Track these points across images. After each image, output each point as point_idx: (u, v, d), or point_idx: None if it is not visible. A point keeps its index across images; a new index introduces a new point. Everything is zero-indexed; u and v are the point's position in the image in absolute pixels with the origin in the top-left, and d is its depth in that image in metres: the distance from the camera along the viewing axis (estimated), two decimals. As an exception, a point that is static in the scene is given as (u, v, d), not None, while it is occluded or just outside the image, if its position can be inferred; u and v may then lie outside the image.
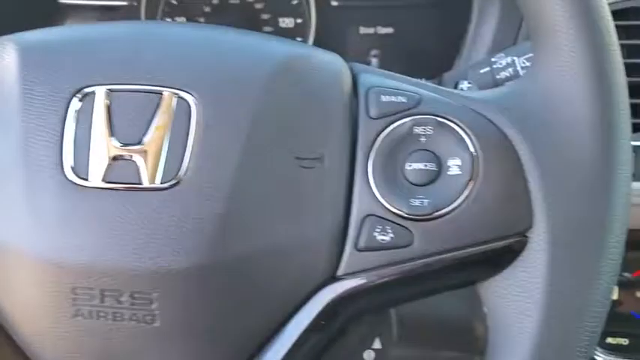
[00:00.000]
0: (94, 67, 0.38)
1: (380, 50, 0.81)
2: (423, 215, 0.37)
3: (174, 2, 0.84)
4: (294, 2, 0.82)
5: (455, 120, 0.38)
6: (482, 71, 0.51)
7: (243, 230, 0.36)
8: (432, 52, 0.78)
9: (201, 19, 0.83)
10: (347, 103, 0.39)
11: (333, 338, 0.39)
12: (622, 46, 0.38)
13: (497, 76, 0.50)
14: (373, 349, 0.40)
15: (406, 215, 0.37)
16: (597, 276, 0.36)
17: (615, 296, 0.67)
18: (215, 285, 0.36)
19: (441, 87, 0.40)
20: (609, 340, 0.67)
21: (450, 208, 0.37)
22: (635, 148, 0.60)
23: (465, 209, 0.36)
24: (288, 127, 0.37)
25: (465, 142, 0.37)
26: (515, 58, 0.50)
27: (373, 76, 0.40)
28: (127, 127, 0.36)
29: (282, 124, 0.37)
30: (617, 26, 0.38)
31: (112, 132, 0.36)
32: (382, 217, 0.37)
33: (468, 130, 0.37)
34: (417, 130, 0.38)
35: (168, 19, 0.83)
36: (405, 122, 0.38)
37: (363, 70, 0.40)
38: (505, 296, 0.37)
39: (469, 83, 0.48)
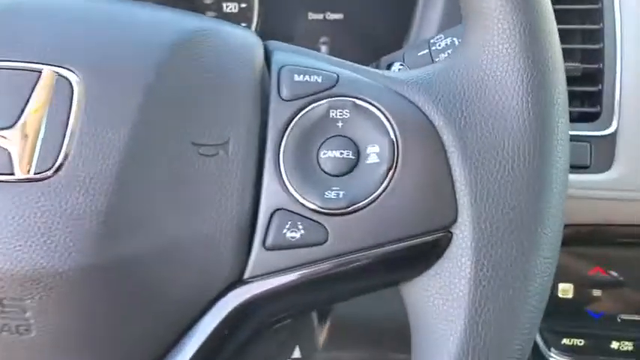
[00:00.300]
0: None
1: (330, 37, 0.77)
2: (338, 209, 0.33)
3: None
4: (238, -14, 0.78)
5: (373, 102, 0.34)
6: (420, 54, 0.47)
7: (131, 227, 0.32)
8: (383, 38, 0.75)
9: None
10: (257, 83, 0.35)
11: (243, 348, 0.35)
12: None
13: (436, 59, 0.46)
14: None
15: (319, 209, 0.33)
16: (529, 277, 0.32)
17: (570, 294, 0.64)
18: (100, 290, 0.32)
19: (363, 67, 0.36)
20: (564, 341, 0.64)
21: (367, 200, 0.33)
22: (581, 138, 0.58)
23: (383, 202, 0.33)
24: (185, 108, 0.33)
25: (384, 126, 0.33)
26: (454, 38, 0.46)
27: (288, 54, 0.36)
28: (0, 109, 0.32)
29: (178, 106, 0.33)
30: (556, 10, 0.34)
31: None
32: (293, 212, 0.33)
33: (387, 114, 0.33)
34: (334, 113, 0.34)
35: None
36: (321, 105, 0.34)
37: (278, 48, 0.37)
38: (427, 298, 0.33)
39: (401, 65, 0.45)
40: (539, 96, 0.32)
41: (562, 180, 0.33)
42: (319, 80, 0.34)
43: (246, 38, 0.36)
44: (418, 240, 0.33)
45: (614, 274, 0.65)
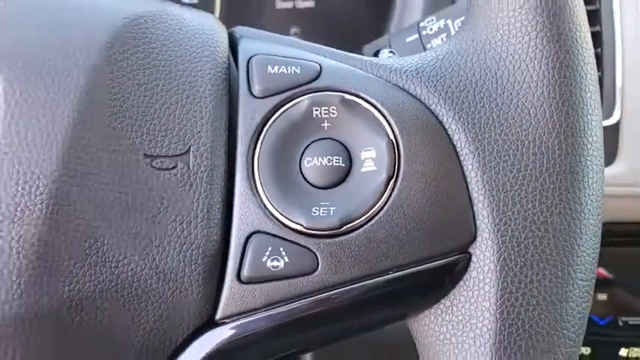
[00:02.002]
0: None
1: (300, 27, 0.71)
2: (329, 229, 0.27)
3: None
4: (199, -27, 0.71)
5: (365, 96, 0.28)
6: (408, 39, 0.41)
7: (72, 264, 0.26)
8: (359, 26, 0.69)
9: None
10: (221, 77, 0.29)
11: None
12: None
13: (428, 45, 0.41)
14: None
15: (306, 230, 0.27)
16: (566, 305, 0.26)
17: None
18: (33, 345, 0.25)
19: (349, 54, 0.30)
20: (569, 350, 0.59)
21: (364, 218, 0.27)
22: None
23: (383, 219, 0.27)
24: (133, 112, 0.27)
25: (380, 125, 0.27)
26: (448, 21, 0.40)
27: (258, 42, 0.30)
28: None
29: (124, 110, 0.27)
30: None
31: None
32: (273, 235, 0.27)
33: (383, 110, 0.28)
34: (317, 112, 0.28)
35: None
36: (301, 101, 0.28)
37: (246, 35, 0.31)
38: (442, 335, 0.27)
39: (391, 52, 0.39)
40: (567, 82, 0.27)
41: (599, 186, 0.27)
42: (298, 71, 0.28)
43: (204, 23, 0.30)
44: (429, 265, 0.27)
45: (617, 275, 0.61)
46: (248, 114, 0.28)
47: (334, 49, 0.31)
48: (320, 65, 0.29)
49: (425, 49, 0.41)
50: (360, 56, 0.30)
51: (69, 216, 0.25)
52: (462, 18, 0.40)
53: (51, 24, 0.28)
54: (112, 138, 0.26)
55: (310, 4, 0.71)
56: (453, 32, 0.40)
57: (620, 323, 0.61)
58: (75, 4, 0.29)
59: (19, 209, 0.25)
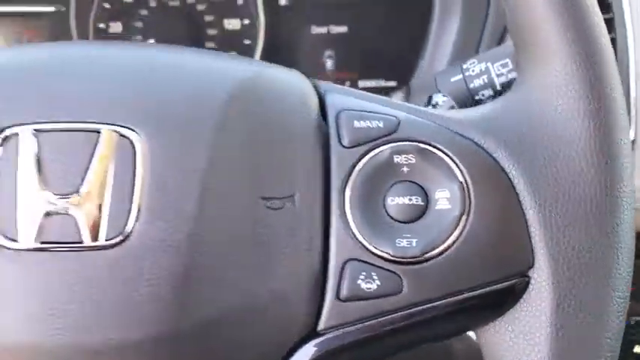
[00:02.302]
0: (14, 102, 0.32)
1: (334, 51, 0.76)
2: (413, 257, 0.32)
3: (107, 6, 0.76)
4: (240, 2, 0.76)
5: (439, 146, 0.33)
6: (453, 79, 0.47)
7: (205, 290, 0.31)
8: (389, 51, 0.74)
9: (139, 24, 0.76)
10: (316, 130, 0.34)
11: None
12: None
13: (471, 85, 0.46)
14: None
15: (393, 258, 0.32)
16: (607, 318, 0.32)
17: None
18: (177, 359, 0.31)
19: (419, 107, 0.36)
20: None
21: (441, 247, 0.32)
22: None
23: (458, 248, 0.32)
24: (251, 162, 0.32)
25: (452, 170, 0.33)
26: (489, 64, 0.46)
27: (342, 97, 0.35)
28: (60, 174, 0.31)
29: (244, 160, 0.32)
30: None
31: (42, 181, 0.31)
32: (366, 262, 0.33)
33: (454, 157, 0.33)
34: (398, 159, 0.34)
35: (102, 25, 0.76)
36: (384, 150, 0.34)
37: (330, 90, 0.36)
38: (506, 342, 0.33)
39: (444, 96, 0.44)
40: (606, 138, 0.33)
41: (631, 218, 0.33)
42: (380, 125, 0.34)
43: (296, 81, 0.36)
44: (494, 287, 0.33)
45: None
46: (339, 161, 0.33)
47: (405, 103, 0.36)
48: (398, 118, 0.34)
49: (468, 88, 0.47)
50: (428, 109, 0.36)
51: (203, 248, 0.31)
52: (502, 61, 0.46)
53: (174, 88, 0.33)
54: (235, 184, 0.32)
55: (344, 29, 0.76)
56: (493, 74, 0.46)
57: (632, 322, 0.66)
58: (190, 68, 0.34)
59: (163, 244, 0.30)
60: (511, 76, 0.46)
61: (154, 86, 0.33)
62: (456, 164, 0.33)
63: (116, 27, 0.76)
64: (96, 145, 0.31)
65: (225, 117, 0.32)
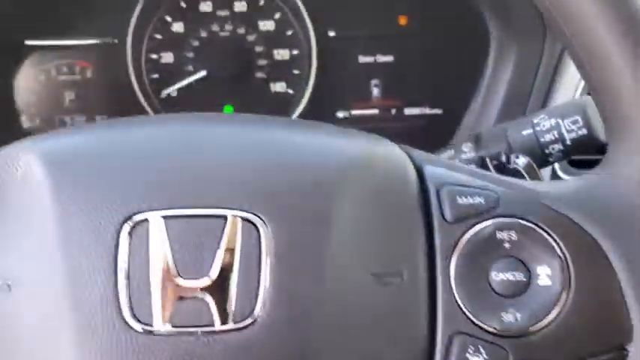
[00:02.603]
0: (140, 187, 0.33)
1: (380, 79, 0.78)
2: (518, 332, 0.35)
3: (159, 37, 0.78)
4: (289, 33, 0.78)
5: (539, 223, 0.36)
6: (524, 132, 0.50)
7: None
8: (434, 80, 0.76)
9: (190, 54, 0.78)
10: (418, 205, 0.36)
11: None
12: None
13: (542, 139, 0.49)
14: None
15: (499, 332, 0.35)
16: None
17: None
18: None
19: (512, 180, 0.38)
20: None
21: (545, 322, 0.35)
22: None
23: (561, 323, 0.35)
24: (362, 240, 0.34)
25: (552, 247, 0.35)
26: (559, 120, 0.49)
27: (440, 170, 0.37)
28: (190, 259, 0.32)
29: (357, 239, 0.34)
30: None
31: (174, 267, 0.32)
32: (473, 335, 0.35)
33: (553, 234, 0.35)
34: (501, 235, 0.36)
35: (154, 56, 0.78)
36: (487, 226, 0.36)
37: (426, 161, 0.37)
38: None
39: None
40: None
41: None
42: (482, 201, 0.36)
43: (397, 156, 0.37)
44: (595, 359, 0.35)
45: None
46: (443, 236, 0.35)
47: (498, 176, 0.39)
48: (497, 194, 0.36)
49: (539, 142, 0.49)
50: (522, 183, 0.38)
51: (324, 330, 0.33)
52: (572, 118, 0.48)
53: (289, 169, 0.35)
54: (351, 263, 0.34)
55: (390, 58, 0.78)
56: (563, 129, 0.48)
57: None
58: (300, 149, 0.36)
59: (290, 325, 0.32)
60: (581, 132, 0.48)
61: (271, 168, 0.35)
62: (555, 241, 0.35)
63: (168, 57, 0.78)
64: (223, 230, 0.33)
65: (340, 197, 0.34)
